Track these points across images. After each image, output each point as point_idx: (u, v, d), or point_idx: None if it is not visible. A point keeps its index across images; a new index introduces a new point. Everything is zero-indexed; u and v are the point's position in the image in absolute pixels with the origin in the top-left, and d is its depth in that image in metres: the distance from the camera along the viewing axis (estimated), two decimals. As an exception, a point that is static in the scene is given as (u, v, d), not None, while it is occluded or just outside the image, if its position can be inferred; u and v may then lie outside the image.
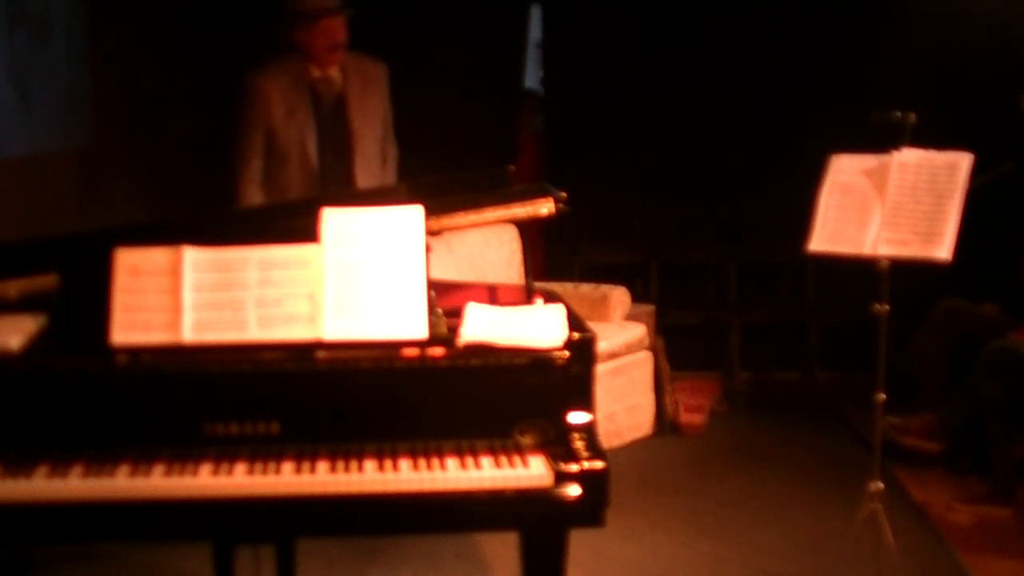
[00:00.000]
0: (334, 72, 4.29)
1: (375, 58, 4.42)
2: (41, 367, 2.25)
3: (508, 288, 2.89)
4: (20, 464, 2.19)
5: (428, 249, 2.37)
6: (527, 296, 2.62)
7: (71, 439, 2.22)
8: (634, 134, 6.05)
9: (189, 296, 2.27)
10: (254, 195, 4.28)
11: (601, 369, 4.38)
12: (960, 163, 3.30)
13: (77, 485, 2.15)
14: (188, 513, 2.16)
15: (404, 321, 2.28)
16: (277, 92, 4.23)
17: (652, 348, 5.04)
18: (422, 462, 2.21)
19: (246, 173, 4.27)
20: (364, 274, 2.30)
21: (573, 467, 2.20)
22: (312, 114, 4.27)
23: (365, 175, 4.35)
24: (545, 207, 2.67)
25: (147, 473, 2.17)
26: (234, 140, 4.34)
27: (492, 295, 2.76)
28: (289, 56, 4.26)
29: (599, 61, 6.12)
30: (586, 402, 2.30)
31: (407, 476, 2.18)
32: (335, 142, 4.32)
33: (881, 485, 3.48)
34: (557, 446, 2.26)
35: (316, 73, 4.26)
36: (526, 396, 2.27)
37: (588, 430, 2.28)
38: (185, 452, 2.22)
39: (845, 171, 3.44)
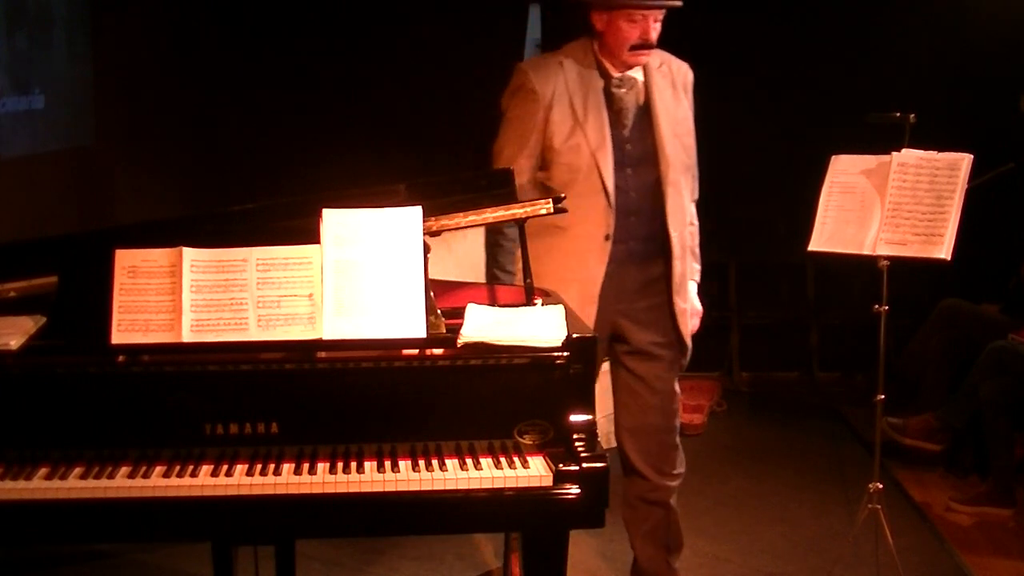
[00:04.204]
0: (636, 72, 3.19)
1: (678, 59, 3.35)
2: (41, 367, 2.25)
3: (508, 288, 2.88)
4: (20, 464, 2.19)
5: (427, 249, 2.37)
6: (527, 296, 2.62)
7: (71, 439, 2.22)
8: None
9: (189, 296, 2.27)
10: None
11: (601, 369, 4.38)
12: (960, 163, 3.30)
13: (77, 485, 2.15)
14: (188, 513, 2.16)
15: (403, 321, 2.27)
16: (562, 96, 3.13)
17: (652, 348, 5.03)
18: (422, 462, 2.21)
19: None
20: (364, 274, 2.30)
21: (573, 467, 2.20)
22: (608, 128, 3.13)
23: (678, 216, 3.20)
24: (545, 207, 2.67)
25: (147, 473, 2.17)
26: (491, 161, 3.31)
27: (492, 295, 2.76)
28: (574, 46, 3.22)
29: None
30: (586, 402, 2.30)
31: (407, 476, 2.17)
32: (636, 167, 3.18)
33: (881, 485, 3.48)
34: (557, 446, 2.26)
35: (614, 72, 3.17)
36: (526, 396, 2.27)
37: (588, 430, 2.28)
38: (185, 452, 2.22)
39: (845, 171, 3.45)
